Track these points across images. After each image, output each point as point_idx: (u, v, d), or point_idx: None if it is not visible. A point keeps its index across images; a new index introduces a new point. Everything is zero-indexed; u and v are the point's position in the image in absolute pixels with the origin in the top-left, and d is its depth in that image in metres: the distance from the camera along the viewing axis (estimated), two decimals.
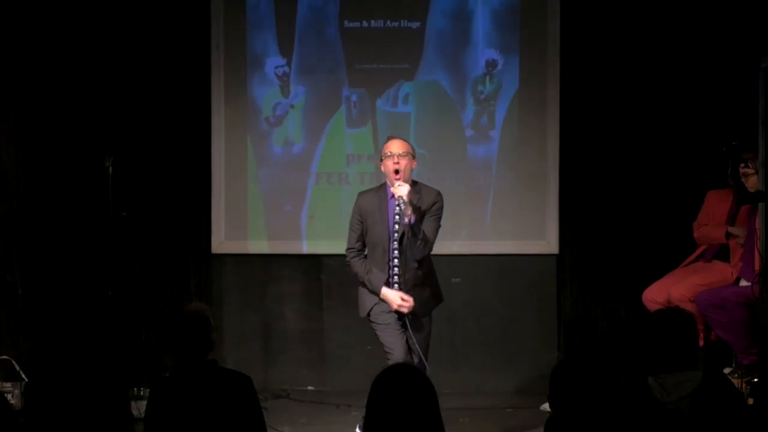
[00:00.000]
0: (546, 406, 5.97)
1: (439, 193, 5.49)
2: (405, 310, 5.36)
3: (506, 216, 7.32)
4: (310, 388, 7.34)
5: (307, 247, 7.37)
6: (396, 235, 5.34)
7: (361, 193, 5.66)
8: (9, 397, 5.81)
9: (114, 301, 6.57)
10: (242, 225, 7.38)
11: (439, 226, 5.49)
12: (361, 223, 5.51)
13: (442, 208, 5.48)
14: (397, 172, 5.35)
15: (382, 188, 5.54)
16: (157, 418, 3.97)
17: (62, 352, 6.87)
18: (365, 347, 7.23)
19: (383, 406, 3.11)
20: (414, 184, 5.44)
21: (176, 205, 7.35)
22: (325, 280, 7.41)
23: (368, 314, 5.53)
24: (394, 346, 5.36)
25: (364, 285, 5.54)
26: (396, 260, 5.36)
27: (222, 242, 7.38)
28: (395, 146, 5.43)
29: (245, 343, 7.40)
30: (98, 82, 7.24)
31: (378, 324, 5.47)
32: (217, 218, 7.36)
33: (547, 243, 7.30)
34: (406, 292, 5.39)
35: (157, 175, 7.31)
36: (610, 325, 7.27)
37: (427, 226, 5.41)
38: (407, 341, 5.42)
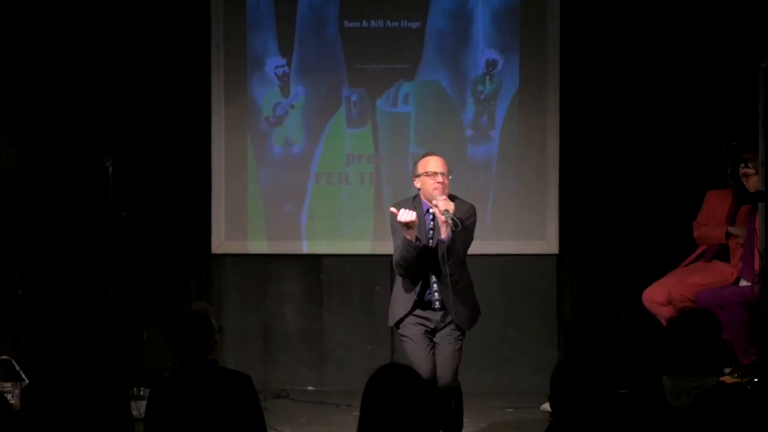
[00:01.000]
0: (546, 406, 5.98)
1: (472, 207, 5.34)
2: (410, 217, 5.07)
3: (506, 216, 7.31)
4: (310, 388, 7.34)
5: (307, 247, 7.37)
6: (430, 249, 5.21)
7: (396, 204, 5.30)
8: (9, 397, 5.81)
9: (114, 301, 6.57)
10: (242, 225, 7.38)
11: (472, 239, 5.34)
12: None
13: (475, 223, 5.33)
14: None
15: (417, 201, 5.32)
16: (157, 418, 3.97)
17: (62, 352, 6.87)
18: (365, 347, 7.25)
19: (377, 406, 3.12)
20: (452, 198, 5.22)
21: (176, 205, 7.34)
22: (325, 280, 7.41)
23: (397, 325, 5.38)
24: (419, 360, 5.21)
25: (403, 288, 5.33)
26: (434, 276, 5.25)
27: (222, 242, 7.37)
28: (438, 164, 5.25)
29: (245, 343, 7.39)
30: (98, 82, 7.24)
31: (405, 336, 5.34)
32: (217, 218, 7.36)
33: (547, 243, 7.30)
34: (447, 308, 5.26)
35: (157, 175, 7.31)
36: (610, 325, 7.26)
37: (462, 246, 5.23)
38: (434, 355, 5.31)
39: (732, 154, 6.15)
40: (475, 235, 7.21)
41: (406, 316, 5.31)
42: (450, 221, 5.04)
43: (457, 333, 5.33)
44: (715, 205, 6.56)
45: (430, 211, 5.26)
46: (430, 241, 5.25)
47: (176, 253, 7.36)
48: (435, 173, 5.21)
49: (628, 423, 3.48)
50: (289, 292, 7.42)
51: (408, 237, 5.11)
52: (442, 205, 5.09)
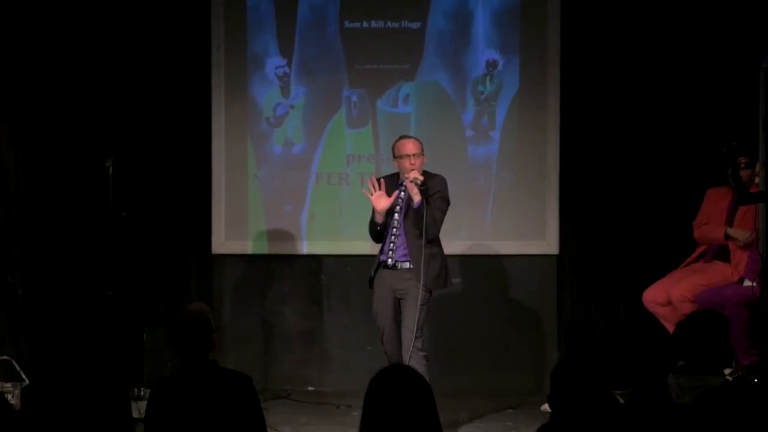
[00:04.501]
0: (546, 407, 5.98)
1: (442, 177, 5.96)
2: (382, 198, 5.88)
3: (506, 216, 7.31)
4: (310, 388, 7.34)
5: (307, 248, 7.37)
6: (397, 215, 5.91)
7: (381, 178, 6.13)
8: (9, 397, 5.81)
9: (114, 301, 6.57)
10: (242, 225, 7.38)
11: (446, 207, 5.92)
12: None
13: (446, 189, 5.92)
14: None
15: (395, 176, 6.04)
16: (157, 418, 3.97)
17: (62, 353, 6.87)
18: (365, 347, 7.24)
19: (379, 407, 3.12)
20: (424, 174, 5.89)
21: (176, 205, 7.35)
22: (325, 280, 7.41)
23: (370, 283, 6.02)
24: (383, 320, 5.92)
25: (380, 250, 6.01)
26: (393, 237, 5.91)
27: (222, 242, 7.38)
28: (410, 147, 5.92)
29: (245, 343, 7.40)
30: (98, 82, 7.24)
31: (373, 297, 6.01)
32: (217, 218, 7.36)
33: (547, 243, 7.30)
34: (413, 269, 5.84)
35: (157, 175, 7.31)
36: (610, 325, 7.26)
37: (435, 206, 5.83)
38: (400, 318, 5.90)
39: (732, 155, 6.16)
40: (475, 235, 7.28)
41: (375, 275, 5.98)
42: (416, 184, 5.75)
43: (424, 295, 5.78)
44: (715, 203, 6.56)
45: (403, 184, 5.93)
46: (398, 207, 5.92)
47: (176, 253, 7.36)
48: (408, 156, 5.88)
49: (625, 423, 3.48)
50: (289, 292, 7.42)
51: (377, 216, 5.91)
52: (411, 176, 5.80)
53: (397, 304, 5.91)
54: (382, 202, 5.86)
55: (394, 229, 5.92)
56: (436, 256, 5.89)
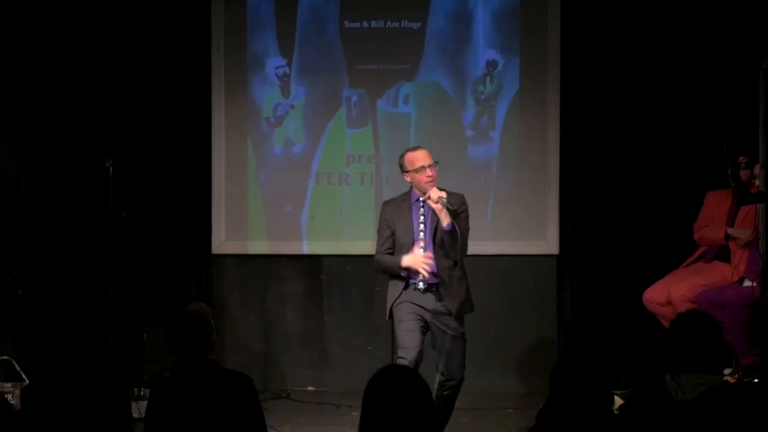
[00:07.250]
0: None
1: (462, 196, 5.57)
2: (427, 267, 5.37)
3: (506, 216, 7.32)
4: (310, 388, 7.34)
5: (307, 248, 7.37)
6: (422, 234, 5.47)
7: (385, 203, 5.75)
8: (9, 397, 5.81)
9: (114, 301, 6.57)
10: (242, 225, 7.38)
11: (469, 227, 5.57)
12: (389, 228, 5.56)
13: (467, 210, 5.56)
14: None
15: (406, 196, 5.62)
16: (157, 418, 3.97)
17: (62, 353, 6.87)
18: (365, 347, 7.25)
19: (378, 407, 3.12)
20: (441, 189, 5.47)
21: (176, 205, 7.35)
22: (325, 281, 7.42)
23: (391, 311, 5.53)
24: (408, 344, 5.37)
25: (391, 276, 5.54)
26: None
27: (222, 242, 7.38)
28: (426, 158, 5.50)
29: (245, 343, 7.40)
30: (98, 82, 7.24)
31: (397, 320, 5.49)
32: (217, 218, 7.36)
33: (547, 243, 7.30)
34: (443, 294, 5.45)
35: (157, 175, 7.31)
36: (610, 325, 7.27)
37: (463, 226, 5.46)
38: (423, 341, 5.45)
39: (732, 155, 6.17)
40: (475, 235, 7.25)
41: (398, 300, 5.47)
42: (445, 206, 5.31)
43: (456, 325, 5.47)
44: (715, 205, 6.57)
45: (420, 200, 5.51)
46: (422, 225, 5.48)
47: (176, 254, 7.36)
48: (423, 167, 5.45)
49: (620, 424, 3.49)
50: (289, 293, 7.43)
51: (402, 266, 5.43)
52: (434, 195, 5.35)
53: (427, 325, 5.47)
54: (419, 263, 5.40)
55: (421, 250, 5.45)
56: (462, 279, 5.53)
